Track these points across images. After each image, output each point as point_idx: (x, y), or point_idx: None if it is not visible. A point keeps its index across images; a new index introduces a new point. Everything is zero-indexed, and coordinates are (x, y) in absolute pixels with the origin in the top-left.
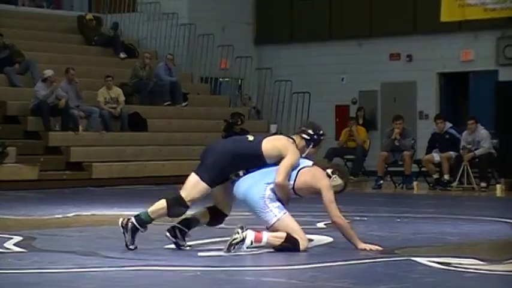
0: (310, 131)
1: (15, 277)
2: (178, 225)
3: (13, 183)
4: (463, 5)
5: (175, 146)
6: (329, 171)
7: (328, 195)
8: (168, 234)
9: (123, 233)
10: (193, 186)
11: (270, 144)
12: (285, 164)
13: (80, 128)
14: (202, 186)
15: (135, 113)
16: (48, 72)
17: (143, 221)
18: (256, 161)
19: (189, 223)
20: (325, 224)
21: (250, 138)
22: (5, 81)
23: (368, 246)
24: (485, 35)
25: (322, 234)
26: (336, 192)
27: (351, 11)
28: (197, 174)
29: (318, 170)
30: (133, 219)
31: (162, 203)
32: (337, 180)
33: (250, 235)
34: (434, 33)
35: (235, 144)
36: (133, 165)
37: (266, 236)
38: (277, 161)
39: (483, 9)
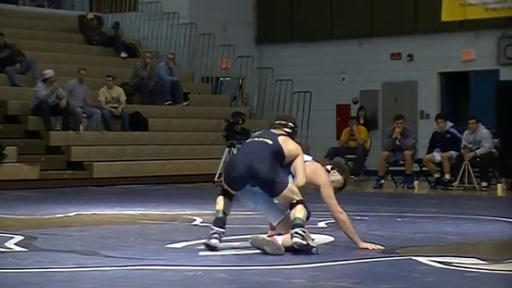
0: (291, 124)
1: (16, 276)
2: (222, 230)
3: (14, 183)
4: (464, 5)
5: (176, 146)
6: (328, 167)
7: (326, 191)
8: (215, 241)
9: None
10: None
11: (284, 145)
12: (301, 164)
13: (81, 127)
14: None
15: (135, 113)
16: (49, 73)
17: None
18: (280, 161)
19: (224, 222)
20: (326, 224)
21: (269, 141)
22: (5, 81)
23: (369, 246)
24: (486, 34)
25: (323, 234)
26: (335, 190)
27: (352, 10)
28: (282, 183)
29: (318, 165)
30: (297, 230)
31: (303, 208)
32: (337, 176)
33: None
34: (435, 32)
35: (263, 153)
36: (134, 164)
37: (280, 239)
38: (289, 162)
39: (484, 9)
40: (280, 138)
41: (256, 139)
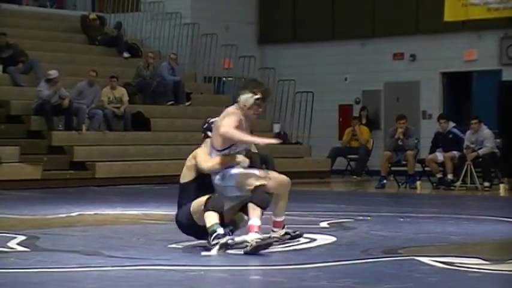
0: (204, 126)
1: (18, 276)
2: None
3: (16, 183)
4: (466, 5)
5: (178, 146)
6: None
7: (222, 123)
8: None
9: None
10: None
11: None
12: (202, 163)
13: (83, 127)
14: None
15: (138, 113)
16: (54, 73)
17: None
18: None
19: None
20: (328, 224)
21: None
22: (8, 81)
23: (268, 140)
24: (488, 34)
25: (325, 234)
26: (260, 101)
27: (354, 10)
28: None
29: (221, 117)
30: (211, 241)
31: (208, 214)
32: (243, 96)
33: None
34: (438, 33)
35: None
36: (136, 164)
37: (255, 220)
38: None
39: (486, 9)
40: (190, 156)
41: None
